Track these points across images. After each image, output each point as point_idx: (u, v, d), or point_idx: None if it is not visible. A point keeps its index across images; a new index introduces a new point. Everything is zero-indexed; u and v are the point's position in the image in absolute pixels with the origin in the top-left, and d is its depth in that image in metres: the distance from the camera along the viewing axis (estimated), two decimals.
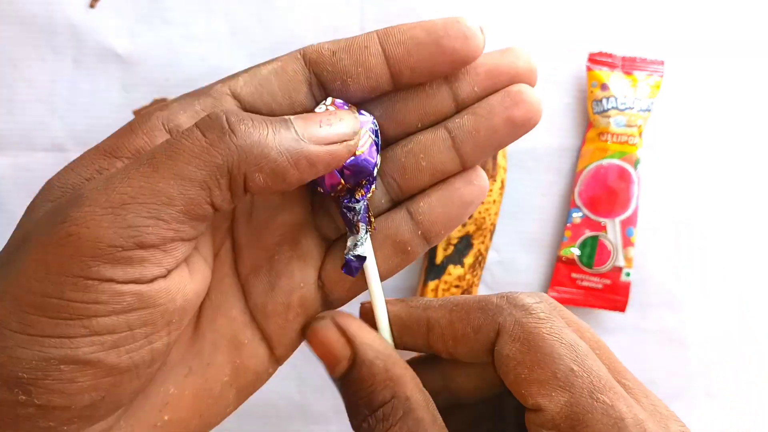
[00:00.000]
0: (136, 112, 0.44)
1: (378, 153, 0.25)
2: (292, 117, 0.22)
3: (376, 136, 0.25)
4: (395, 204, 0.27)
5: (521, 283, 0.48)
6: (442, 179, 0.26)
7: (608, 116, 0.47)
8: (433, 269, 0.45)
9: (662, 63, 0.48)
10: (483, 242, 0.46)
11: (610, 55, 0.47)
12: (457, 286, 0.45)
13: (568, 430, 0.21)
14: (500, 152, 0.46)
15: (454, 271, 0.45)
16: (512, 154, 0.47)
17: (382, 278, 0.27)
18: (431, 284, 0.45)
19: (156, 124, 0.22)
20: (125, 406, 0.23)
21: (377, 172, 0.25)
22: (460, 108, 0.25)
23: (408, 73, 0.24)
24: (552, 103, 0.48)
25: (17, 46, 0.47)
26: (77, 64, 0.47)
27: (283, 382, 0.47)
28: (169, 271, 0.21)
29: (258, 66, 0.24)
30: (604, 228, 0.47)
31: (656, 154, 0.48)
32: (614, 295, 0.47)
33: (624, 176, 0.47)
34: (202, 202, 0.20)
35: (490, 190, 0.45)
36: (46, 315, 0.19)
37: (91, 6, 0.47)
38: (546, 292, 0.48)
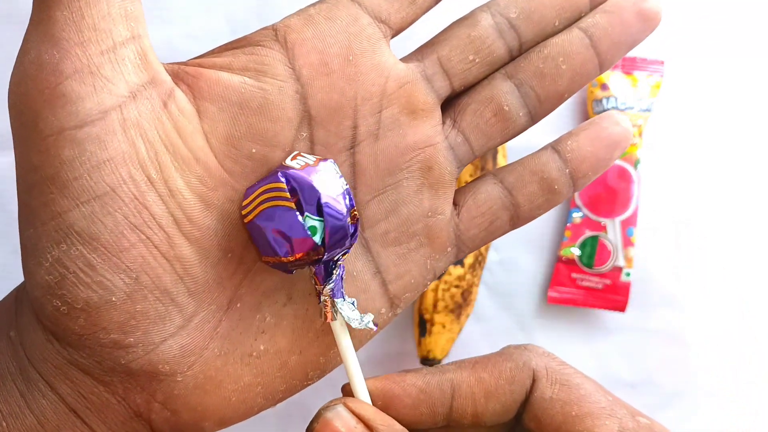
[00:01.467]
0: None
1: (348, 208, 0.22)
2: None
3: (348, 199, 0.22)
4: (533, 118, 0.26)
5: (521, 283, 0.48)
6: (581, 85, 0.26)
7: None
8: None
9: (662, 63, 0.48)
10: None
11: None
12: (457, 286, 0.45)
13: None
14: (500, 152, 0.46)
15: (454, 271, 0.45)
16: (512, 154, 0.47)
17: (528, 219, 0.26)
18: (431, 284, 0.45)
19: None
20: (214, 324, 0.22)
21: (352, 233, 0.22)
22: (594, 5, 0.25)
23: None
24: None
25: (17, 46, 0.46)
26: None
27: None
28: None
29: None
30: (604, 228, 0.47)
31: (656, 154, 0.48)
32: (614, 295, 0.47)
33: (624, 176, 0.47)
34: None
35: None
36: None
37: None
38: (546, 292, 0.48)
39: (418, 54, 0.26)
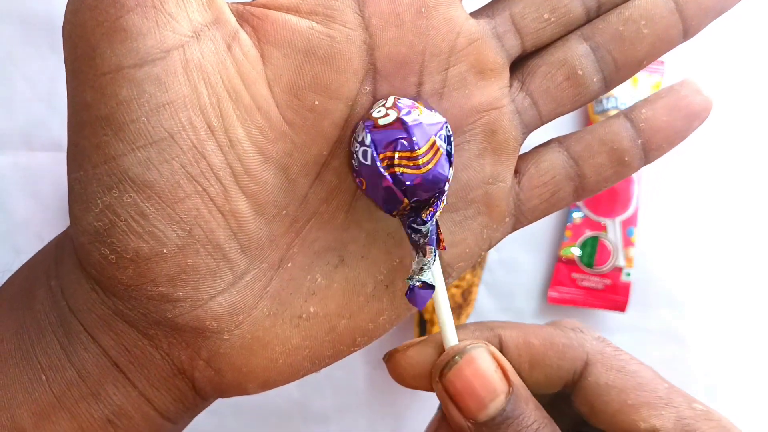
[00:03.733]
0: None
1: (451, 164, 0.21)
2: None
3: (449, 143, 0.22)
4: (608, 85, 0.24)
5: (521, 283, 0.48)
6: (662, 51, 0.24)
7: (609, 116, 0.47)
8: None
9: (662, 63, 0.48)
10: None
11: None
12: (457, 286, 0.45)
13: None
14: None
15: None
16: None
17: (594, 191, 0.24)
18: None
19: None
20: (270, 286, 0.22)
21: (448, 187, 0.22)
22: None
23: None
24: None
25: (17, 45, 0.47)
26: None
27: None
28: None
29: None
30: (604, 228, 0.47)
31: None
32: (615, 295, 0.47)
33: None
34: None
35: None
36: None
37: None
38: (546, 292, 0.48)
39: (490, 10, 0.24)
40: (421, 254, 0.22)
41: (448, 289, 0.45)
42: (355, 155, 0.22)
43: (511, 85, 0.24)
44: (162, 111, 0.19)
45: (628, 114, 0.25)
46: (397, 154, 0.21)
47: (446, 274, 0.24)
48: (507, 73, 0.24)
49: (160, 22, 0.19)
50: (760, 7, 0.49)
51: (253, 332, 0.21)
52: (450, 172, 0.22)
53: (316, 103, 0.21)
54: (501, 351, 0.23)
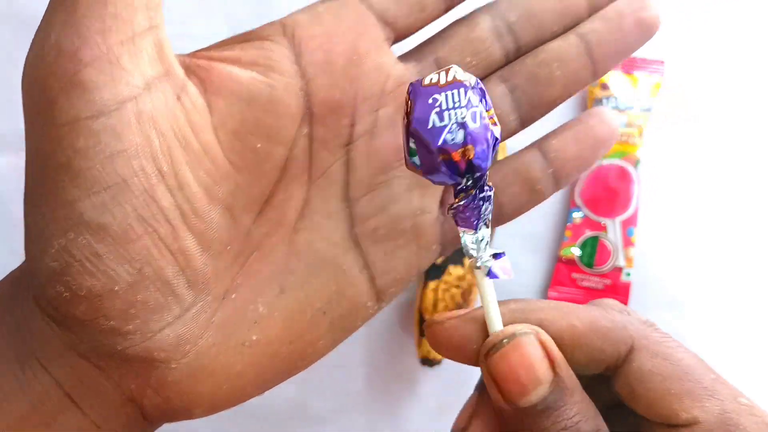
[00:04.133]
0: None
1: (495, 126, 0.21)
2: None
3: (488, 109, 0.21)
4: (524, 123, 0.26)
5: (521, 283, 0.48)
6: (573, 91, 0.26)
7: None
8: (432, 269, 0.45)
9: (662, 63, 0.48)
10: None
11: None
12: (457, 287, 0.45)
13: None
14: (500, 152, 0.45)
15: (454, 271, 0.45)
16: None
17: (511, 218, 0.26)
18: (431, 284, 0.45)
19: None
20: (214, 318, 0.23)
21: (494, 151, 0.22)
22: (593, 11, 0.26)
23: None
24: None
25: (17, 46, 0.46)
26: None
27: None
28: None
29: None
30: (604, 228, 0.47)
31: (656, 154, 0.48)
32: (615, 295, 0.47)
33: (624, 176, 0.47)
34: None
35: None
36: None
37: None
38: (546, 292, 0.48)
39: (417, 54, 0.26)
40: (479, 227, 0.22)
41: (448, 288, 0.45)
42: (454, 118, 0.21)
43: None
44: (116, 158, 0.20)
45: (540, 146, 0.26)
46: (487, 112, 0.21)
47: (380, 300, 0.26)
48: None
49: (115, 76, 0.20)
50: (760, 7, 0.49)
51: (199, 361, 0.22)
52: (493, 134, 0.22)
53: (258, 146, 0.23)
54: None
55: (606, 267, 0.47)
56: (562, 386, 0.20)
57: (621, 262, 0.47)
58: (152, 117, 0.21)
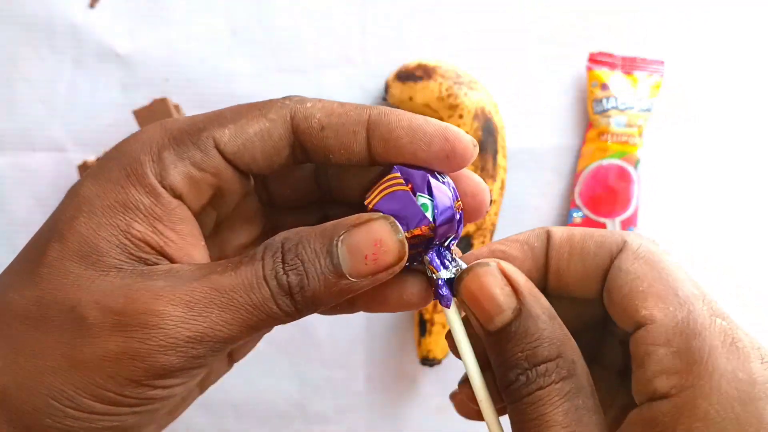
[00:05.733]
0: (136, 112, 0.44)
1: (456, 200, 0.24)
2: (339, 251, 0.21)
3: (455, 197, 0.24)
4: None
5: None
6: None
7: (608, 116, 0.47)
8: None
9: (662, 63, 0.48)
10: (483, 242, 0.46)
11: (610, 55, 0.47)
12: None
13: (680, 344, 0.20)
14: (500, 152, 0.46)
15: None
16: (512, 154, 0.47)
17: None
18: None
19: (153, 183, 0.22)
20: None
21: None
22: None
23: (387, 162, 0.24)
24: (552, 103, 0.48)
25: (17, 46, 0.47)
26: (77, 64, 0.47)
27: (283, 382, 0.47)
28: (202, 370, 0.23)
29: (246, 117, 0.24)
30: (604, 227, 0.47)
31: (656, 154, 0.48)
32: None
33: (624, 176, 0.47)
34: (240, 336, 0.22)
35: (491, 190, 0.45)
36: (102, 402, 0.20)
37: (91, 6, 0.47)
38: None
39: None
40: (448, 262, 0.24)
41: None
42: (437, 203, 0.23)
43: None
44: None
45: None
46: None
47: (231, 361, 0.28)
48: None
49: None
50: (760, 6, 0.49)
51: None
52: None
53: None
54: (549, 243, 0.24)
55: None
56: (526, 313, 0.22)
57: None
58: None
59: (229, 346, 0.21)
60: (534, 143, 0.48)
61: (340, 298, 0.22)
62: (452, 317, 0.23)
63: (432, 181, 0.23)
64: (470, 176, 0.25)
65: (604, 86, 0.47)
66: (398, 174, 0.23)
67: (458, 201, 0.24)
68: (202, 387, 0.27)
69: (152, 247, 0.22)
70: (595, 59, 0.47)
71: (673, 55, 0.48)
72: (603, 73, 0.47)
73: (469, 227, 0.45)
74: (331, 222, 0.22)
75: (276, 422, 0.47)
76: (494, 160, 0.45)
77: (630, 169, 0.47)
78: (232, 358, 0.28)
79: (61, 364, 0.20)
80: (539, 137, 0.48)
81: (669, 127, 0.49)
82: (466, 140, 0.23)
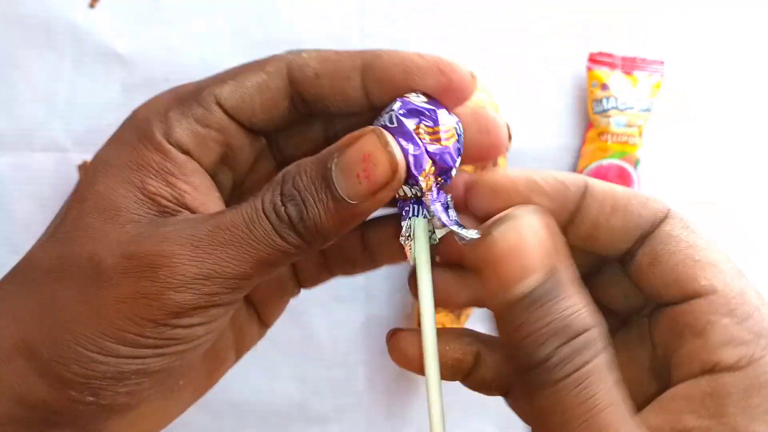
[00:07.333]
0: None
1: (459, 155, 0.23)
2: (334, 175, 0.21)
3: (460, 140, 0.24)
4: None
5: None
6: None
7: (608, 116, 0.47)
8: None
9: (662, 63, 0.48)
10: None
11: (610, 55, 0.47)
12: None
13: (743, 315, 0.19)
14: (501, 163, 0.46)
15: None
16: (512, 154, 0.47)
17: None
18: None
19: (160, 140, 0.23)
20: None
21: (454, 173, 0.23)
22: None
23: (385, 103, 0.24)
24: (552, 103, 0.48)
25: (17, 46, 0.47)
26: (77, 64, 0.47)
27: (283, 382, 0.47)
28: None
29: (244, 72, 0.24)
30: None
31: (656, 154, 0.48)
32: None
33: (624, 176, 0.47)
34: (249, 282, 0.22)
35: None
36: (125, 344, 0.21)
37: (91, 6, 0.47)
38: None
39: None
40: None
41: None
42: (380, 119, 0.23)
43: None
44: None
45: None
46: (422, 126, 0.22)
47: (263, 324, 0.29)
48: None
49: None
50: (760, 6, 0.49)
51: (138, 409, 0.24)
52: (458, 163, 0.23)
53: None
54: (586, 192, 0.22)
55: None
56: (557, 276, 0.19)
57: None
58: None
59: (244, 284, 0.22)
60: (534, 143, 0.48)
61: (347, 226, 0.22)
62: (420, 233, 0.23)
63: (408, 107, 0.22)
64: (482, 113, 0.24)
65: (604, 86, 0.47)
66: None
67: (450, 134, 0.23)
68: (238, 352, 0.28)
69: (168, 200, 0.22)
70: (595, 59, 0.47)
71: (673, 55, 0.48)
72: (603, 73, 0.47)
73: None
74: (328, 147, 0.22)
75: (276, 422, 0.47)
76: (494, 160, 0.45)
77: (630, 169, 0.47)
78: (263, 322, 0.28)
79: (82, 311, 0.21)
80: (539, 137, 0.48)
81: (669, 127, 0.49)
82: (462, 71, 0.23)
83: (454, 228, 0.22)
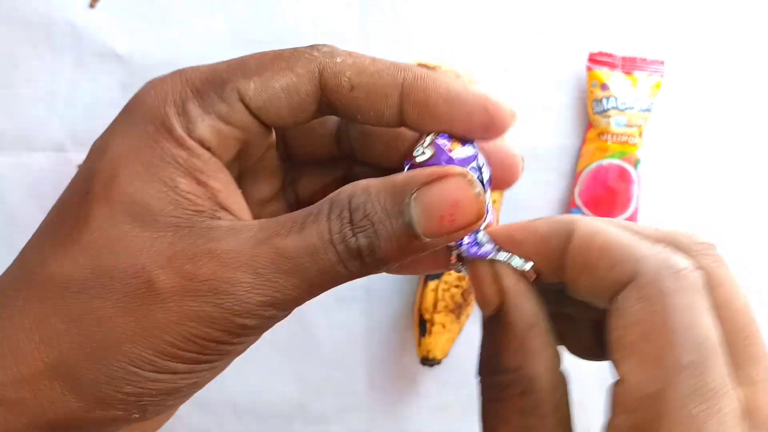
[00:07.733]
0: None
1: (485, 189, 0.23)
2: (412, 211, 0.20)
3: (480, 171, 0.23)
4: None
5: None
6: None
7: (608, 116, 0.47)
8: None
9: (662, 63, 0.48)
10: None
11: (610, 55, 0.47)
12: (457, 286, 0.45)
13: (639, 420, 0.18)
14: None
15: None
16: None
17: None
18: (431, 284, 0.45)
19: (183, 136, 0.22)
20: None
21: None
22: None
23: (419, 128, 0.23)
24: (552, 103, 0.48)
25: (17, 46, 0.47)
26: (77, 63, 0.47)
27: (283, 382, 0.47)
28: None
29: (271, 70, 0.23)
30: None
31: (656, 154, 0.48)
32: None
33: (624, 176, 0.47)
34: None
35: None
36: (183, 362, 0.20)
37: (91, 6, 0.47)
38: None
39: None
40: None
41: (448, 288, 0.45)
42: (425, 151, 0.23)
43: None
44: None
45: None
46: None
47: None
48: None
49: None
50: (760, 6, 0.49)
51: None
52: (486, 196, 0.22)
53: None
54: (570, 244, 0.21)
55: None
56: (502, 318, 0.21)
57: None
58: None
59: (296, 306, 0.21)
60: (534, 143, 0.48)
61: (411, 257, 0.21)
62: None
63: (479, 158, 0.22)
64: (501, 146, 0.24)
65: (604, 86, 0.47)
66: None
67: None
68: None
69: (203, 200, 0.21)
70: (595, 59, 0.47)
71: (673, 55, 0.48)
72: (603, 73, 0.47)
73: None
74: (401, 175, 0.21)
75: (276, 422, 0.47)
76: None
77: (630, 169, 0.47)
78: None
79: (132, 330, 0.20)
80: (539, 137, 0.48)
81: (669, 127, 0.49)
82: (506, 111, 0.22)
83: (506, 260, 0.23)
